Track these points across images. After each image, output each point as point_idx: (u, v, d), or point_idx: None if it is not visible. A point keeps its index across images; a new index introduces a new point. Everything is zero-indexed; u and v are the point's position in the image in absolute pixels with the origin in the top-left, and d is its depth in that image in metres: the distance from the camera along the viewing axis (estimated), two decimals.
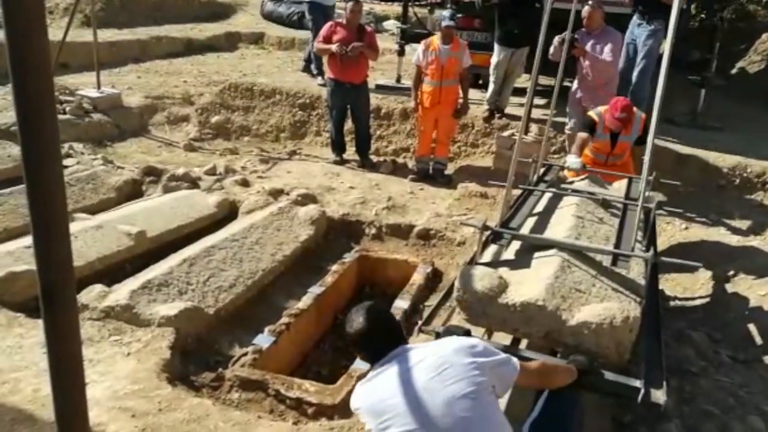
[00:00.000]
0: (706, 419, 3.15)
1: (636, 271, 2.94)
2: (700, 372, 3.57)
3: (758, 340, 3.96)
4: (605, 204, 3.71)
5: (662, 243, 5.46)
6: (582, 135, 4.80)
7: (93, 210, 5.01)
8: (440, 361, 1.97)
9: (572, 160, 4.53)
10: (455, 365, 1.96)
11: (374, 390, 2.03)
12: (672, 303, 4.66)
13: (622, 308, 2.51)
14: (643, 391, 2.38)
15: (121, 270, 4.19)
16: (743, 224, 5.63)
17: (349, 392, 3.15)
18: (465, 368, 1.96)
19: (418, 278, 4.52)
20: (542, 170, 4.56)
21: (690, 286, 4.82)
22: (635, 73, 6.49)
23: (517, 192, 4.04)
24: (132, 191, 5.67)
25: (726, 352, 3.83)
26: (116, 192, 5.49)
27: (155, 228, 4.65)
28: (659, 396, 2.41)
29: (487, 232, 3.13)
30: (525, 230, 3.33)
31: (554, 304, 2.52)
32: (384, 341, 2.10)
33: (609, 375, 2.45)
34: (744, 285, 4.58)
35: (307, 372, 3.92)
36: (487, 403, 1.97)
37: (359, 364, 3.43)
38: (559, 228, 3.31)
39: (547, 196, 3.95)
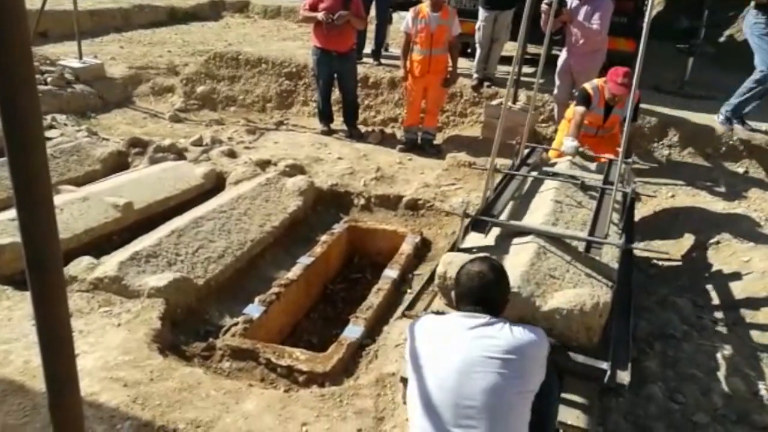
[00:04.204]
0: (690, 382, 3.23)
1: (610, 255, 2.99)
2: (683, 336, 3.64)
3: (740, 304, 4.04)
4: (584, 187, 3.72)
5: (648, 210, 5.51)
6: (579, 110, 4.77)
7: (78, 182, 4.96)
8: (509, 347, 1.97)
9: (568, 144, 4.46)
10: (519, 358, 1.97)
11: (440, 324, 2.13)
12: (657, 270, 4.72)
13: (592, 294, 2.58)
14: (609, 372, 2.49)
15: (108, 242, 4.17)
16: (728, 191, 5.69)
17: (340, 360, 3.19)
18: (528, 365, 1.99)
19: (406, 248, 4.54)
20: (526, 152, 4.52)
21: (675, 253, 4.88)
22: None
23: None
24: (117, 163, 5.60)
25: (709, 317, 3.91)
26: (101, 164, 5.42)
27: (142, 199, 4.62)
28: (624, 377, 2.54)
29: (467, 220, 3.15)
30: (506, 216, 3.34)
31: (528, 291, 2.58)
32: (478, 306, 2.11)
33: (579, 357, 2.54)
34: (728, 251, 4.65)
35: (298, 341, 3.95)
36: (521, 412, 1.97)
37: (349, 332, 3.46)
38: (538, 213, 3.34)
39: (529, 180, 3.95)
